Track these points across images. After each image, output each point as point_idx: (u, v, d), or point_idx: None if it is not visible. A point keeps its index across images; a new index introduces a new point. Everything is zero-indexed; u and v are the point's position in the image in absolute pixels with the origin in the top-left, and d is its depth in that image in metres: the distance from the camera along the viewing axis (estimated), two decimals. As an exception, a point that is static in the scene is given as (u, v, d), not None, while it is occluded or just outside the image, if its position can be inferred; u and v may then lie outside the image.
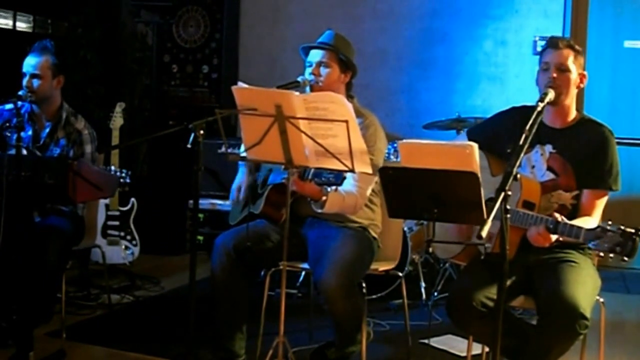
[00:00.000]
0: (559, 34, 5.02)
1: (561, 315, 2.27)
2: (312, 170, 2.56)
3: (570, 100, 2.57)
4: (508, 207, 1.98)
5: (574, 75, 2.53)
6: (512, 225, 2.30)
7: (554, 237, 2.31)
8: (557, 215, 2.32)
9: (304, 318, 3.54)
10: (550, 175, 2.57)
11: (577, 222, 2.32)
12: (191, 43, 5.69)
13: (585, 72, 2.58)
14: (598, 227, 2.21)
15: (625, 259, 2.15)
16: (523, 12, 5.21)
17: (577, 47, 2.57)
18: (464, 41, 5.32)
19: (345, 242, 2.79)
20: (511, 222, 2.24)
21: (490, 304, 2.39)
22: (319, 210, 2.76)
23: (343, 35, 3.00)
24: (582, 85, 2.58)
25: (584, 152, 2.53)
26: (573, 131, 2.58)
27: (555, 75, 2.50)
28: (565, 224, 2.28)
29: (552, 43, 2.56)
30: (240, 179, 3.03)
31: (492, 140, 2.66)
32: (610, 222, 2.20)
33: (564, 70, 2.51)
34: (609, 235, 2.17)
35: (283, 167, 2.50)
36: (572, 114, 2.60)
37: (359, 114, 2.76)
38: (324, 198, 2.71)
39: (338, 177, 2.48)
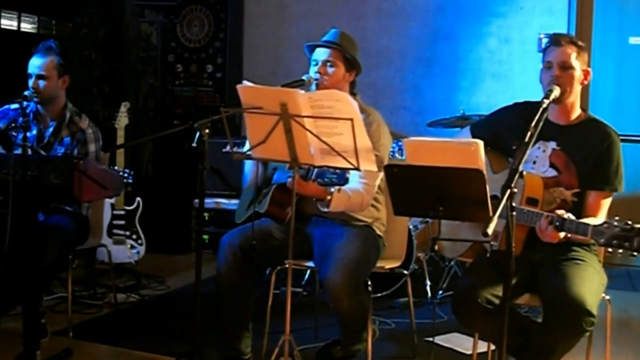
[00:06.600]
0: (563, 30, 5.00)
1: (567, 313, 2.26)
2: (315, 171, 2.53)
3: (575, 98, 2.55)
4: (514, 204, 1.98)
5: (577, 72, 2.50)
6: (517, 223, 2.30)
7: (561, 234, 2.30)
8: (561, 212, 2.30)
9: (310, 316, 3.54)
10: (553, 172, 2.55)
11: (583, 221, 2.30)
12: (195, 42, 5.69)
13: (590, 69, 2.56)
14: (605, 223, 2.20)
15: (634, 254, 2.14)
16: (527, 9, 5.19)
17: (580, 43, 2.54)
18: (468, 39, 5.31)
19: (350, 241, 2.79)
20: (516, 220, 2.23)
21: (496, 301, 2.38)
22: (325, 210, 2.75)
23: (348, 34, 3.00)
24: (585, 82, 2.55)
25: (589, 152, 2.51)
26: (578, 129, 2.56)
27: (558, 73, 2.48)
28: (572, 221, 2.27)
29: (555, 40, 2.54)
30: (251, 169, 3.02)
31: (494, 136, 2.64)
32: (617, 218, 2.20)
33: (567, 67, 2.49)
34: (616, 231, 2.16)
35: (288, 166, 2.49)
36: (577, 112, 2.58)
37: (362, 111, 2.72)
38: (328, 197, 2.71)
39: (341, 178, 2.45)
